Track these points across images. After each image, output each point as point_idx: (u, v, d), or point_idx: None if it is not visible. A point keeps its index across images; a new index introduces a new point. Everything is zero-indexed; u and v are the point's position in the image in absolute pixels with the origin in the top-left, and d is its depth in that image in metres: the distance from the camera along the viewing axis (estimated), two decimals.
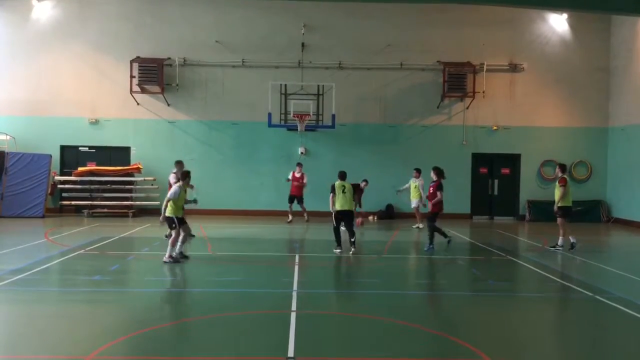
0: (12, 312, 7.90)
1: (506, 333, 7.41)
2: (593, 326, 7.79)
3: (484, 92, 21.89)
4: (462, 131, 22.22)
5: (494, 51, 22.03)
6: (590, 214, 21.75)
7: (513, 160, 22.49)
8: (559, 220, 14.02)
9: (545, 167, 22.36)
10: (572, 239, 13.80)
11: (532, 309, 8.83)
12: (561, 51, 22.26)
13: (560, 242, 13.99)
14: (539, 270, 11.39)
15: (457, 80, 21.69)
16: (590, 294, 9.26)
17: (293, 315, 7.58)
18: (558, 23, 22.22)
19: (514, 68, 22.15)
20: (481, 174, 22.67)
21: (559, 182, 13.95)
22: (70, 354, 6.14)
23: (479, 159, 22.47)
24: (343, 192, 12.92)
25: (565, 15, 22.12)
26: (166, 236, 13.31)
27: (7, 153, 20.09)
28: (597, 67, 22.21)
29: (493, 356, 6.13)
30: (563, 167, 14.31)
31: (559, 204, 13.88)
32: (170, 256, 11.40)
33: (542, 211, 21.38)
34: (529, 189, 22.31)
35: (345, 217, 12.99)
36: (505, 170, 22.63)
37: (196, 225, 18.22)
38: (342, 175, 13.31)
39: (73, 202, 20.45)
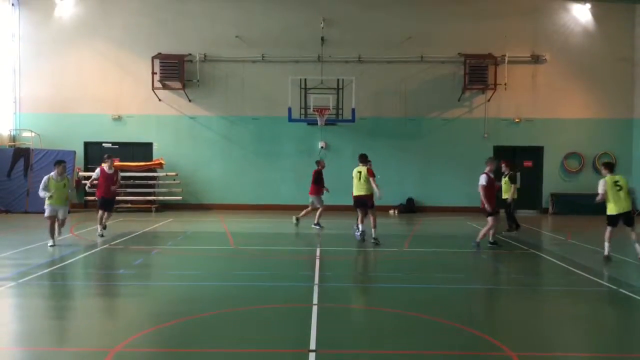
0: (38, 306, 8.05)
1: (529, 327, 7.36)
2: (617, 319, 7.70)
3: (505, 84, 21.69)
4: (483, 124, 22.05)
5: (516, 42, 21.81)
6: None
7: (536, 153, 22.26)
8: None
9: (569, 159, 22.12)
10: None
11: (555, 302, 8.76)
12: (584, 42, 21.95)
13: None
14: (562, 264, 11.28)
15: (479, 73, 21.52)
16: (615, 287, 9.15)
17: (314, 309, 7.61)
18: (581, 13, 21.91)
19: (536, 59, 21.92)
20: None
21: None
22: (96, 346, 6.25)
23: (500, 152, 22.25)
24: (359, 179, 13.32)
25: (588, 5, 21.81)
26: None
27: (32, 150, 20.43)
28: (620, 58, 21.88)
29: (516, 350, 6.09)
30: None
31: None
32: None
33: (566, 204, 21.17)
34: (552, 182, 22.09)
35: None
36: (528, 163, 22.42)
37: (218, 220, 18.40)
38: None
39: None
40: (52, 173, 12.75)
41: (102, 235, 14.01)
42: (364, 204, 13.35)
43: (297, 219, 16.74)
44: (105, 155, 14.98)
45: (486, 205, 12.60)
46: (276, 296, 8.56)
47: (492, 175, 12.86)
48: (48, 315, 7.60)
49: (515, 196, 15.60)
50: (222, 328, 6.98)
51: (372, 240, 13.14)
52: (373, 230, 13.22)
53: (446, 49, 21.76)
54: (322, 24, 21.52)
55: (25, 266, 10.30)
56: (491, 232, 13.06)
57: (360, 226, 13.77)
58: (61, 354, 6.08)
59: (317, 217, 16.24)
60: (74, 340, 6.58)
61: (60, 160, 13.12)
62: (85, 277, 10.15)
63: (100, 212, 14.34)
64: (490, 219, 12.75)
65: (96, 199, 14.88)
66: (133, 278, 9.87)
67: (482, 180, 12.68)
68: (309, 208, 16.61)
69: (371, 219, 13.27)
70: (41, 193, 12.57)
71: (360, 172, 13.29)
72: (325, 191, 16.45)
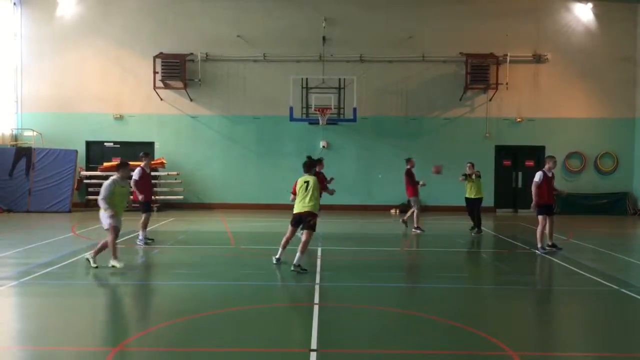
0: (40, 305, 8.06)
1: (530, 326, 7.36)
2: (618, 319, 7.69)
3: (507, 83, 21.68)
4: (485, 123, 22.04)
5: (518, 42, 21.79)
6: (616, 206, 21.45)
7: (537, 153, 22.24)
8: None
9: (571, 159, 22.10)
10: None
11: (556, 302, 8.76)
12: (586, 41, 21.93)
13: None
14: (563, 263, 11.27)
15: (480, 72, 21.52)
16: (616, 287, 9.14)
17: (316, 308, 7.62)
18: (583, 13, 21.89)
19: (538, 59, 21.90)
20: (505, 166, 22.47)
21: None
22: (97, 345, 6.25)
23: (502, 152, 22.27)
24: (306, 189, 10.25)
25: (590, 5, 21.79)
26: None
27: (34, 149, 20.46)
28: (622, 57, 21.86)
29: (516, 349, 6.09)
30: None
31: None
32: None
33: (568, 204, 21.11)
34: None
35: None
36: (530, 163, 22.39)
37: (219, 219, 18.41)
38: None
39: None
40: (116, 176, 10.25)
41: (152, 240, 13.25)
42: (302, 221, 10.27)
43: (416, 227, 15.62)
44: (142, 154, 13.30)
45: (533, 202, 12.31)
46: (277, 295, 8.57)
47: (549, 174, 12.43)
48: (49, 314, 7.61)
49: (472, 195, 15.72)
50: (223, 327, 6.99)
51: (294, 268, 9.95)
52: (299, 254, 10.02)
53: (448, 48, 21.75)
54: (324, 23, 21.51)
55: (26, 265, 10.31)
56: (546, 232, 12.52)
57: (280, 251, 10.66)
58: (62, 353, 6.08)
59: (414, 220, 15.48)
60: (76, 339, 6.58)
61: (124, 162, 10.64)
62: (87, 276, 10.14)
63: (145, 216, 13.07)
64: (540, 218, 12.44)
65: (140, 202, 12.91)
66: (134, 277, 9.88)
67: (536, 177, 12.36)
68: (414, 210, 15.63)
69: (303, 239, 10.22)
70: (102, 204, 10.00)
71: (307, 182, 10.28)
72: (420, 186, 15.82)
